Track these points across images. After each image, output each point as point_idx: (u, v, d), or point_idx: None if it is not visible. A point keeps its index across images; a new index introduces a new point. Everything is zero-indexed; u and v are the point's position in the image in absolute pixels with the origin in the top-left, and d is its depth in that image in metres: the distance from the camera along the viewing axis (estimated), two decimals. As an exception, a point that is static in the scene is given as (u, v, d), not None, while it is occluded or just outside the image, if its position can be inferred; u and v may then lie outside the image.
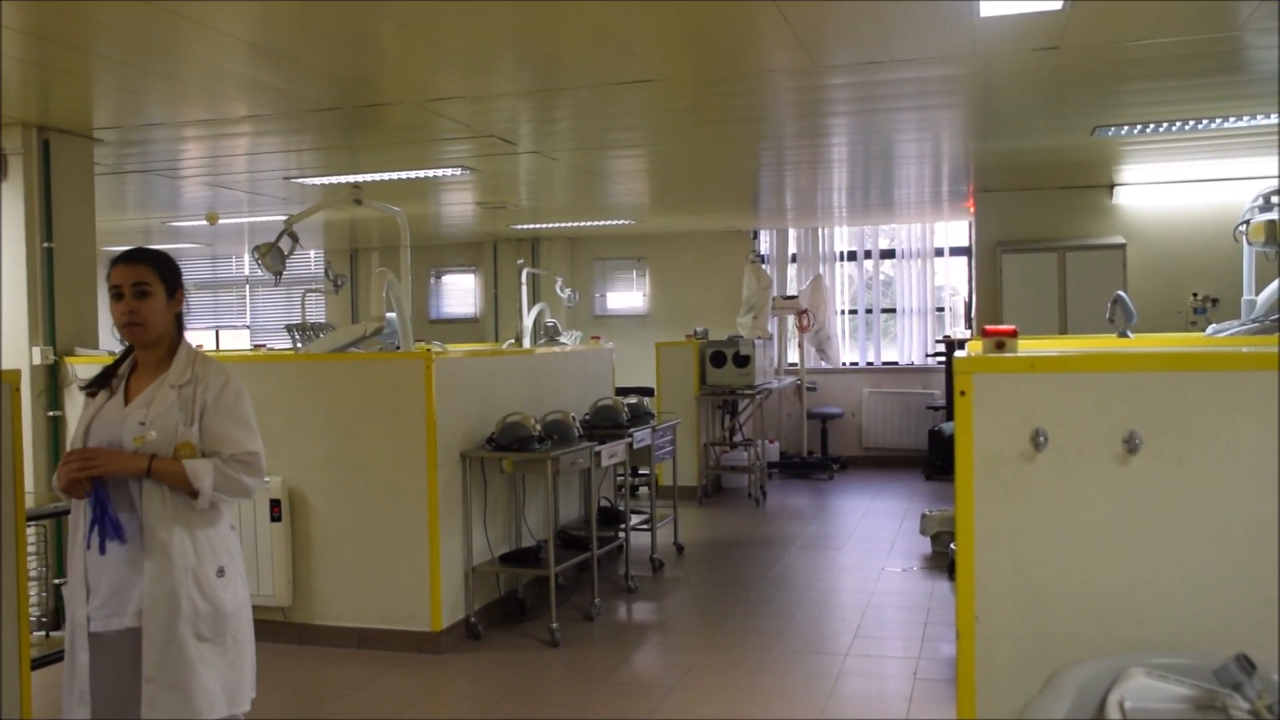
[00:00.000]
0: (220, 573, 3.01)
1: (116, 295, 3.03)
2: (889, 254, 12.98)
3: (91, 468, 2.85)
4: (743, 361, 10.30)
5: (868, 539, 8.51)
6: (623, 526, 7.13)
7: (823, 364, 12.44)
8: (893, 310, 12.84)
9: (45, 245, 6.04)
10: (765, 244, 13.22)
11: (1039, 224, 9.76)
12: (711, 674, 5.34)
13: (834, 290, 12.66)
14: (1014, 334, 2.82)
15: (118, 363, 3.16)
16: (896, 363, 12.71)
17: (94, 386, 3.12)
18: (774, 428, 12.22)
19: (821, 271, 12.64)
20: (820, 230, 12.90)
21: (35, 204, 6.01)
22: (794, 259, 13.16)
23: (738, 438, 10.94)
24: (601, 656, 5.71)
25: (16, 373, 3.51)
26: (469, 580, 5.94)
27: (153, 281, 3.03)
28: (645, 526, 7.61)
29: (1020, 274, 9.54)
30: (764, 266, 12.18)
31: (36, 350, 5.99)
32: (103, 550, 2.90)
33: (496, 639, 5.92)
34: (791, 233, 13.12)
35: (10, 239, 5.99)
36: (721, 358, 10.36)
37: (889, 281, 13.04)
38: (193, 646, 2.90)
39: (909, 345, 12.62)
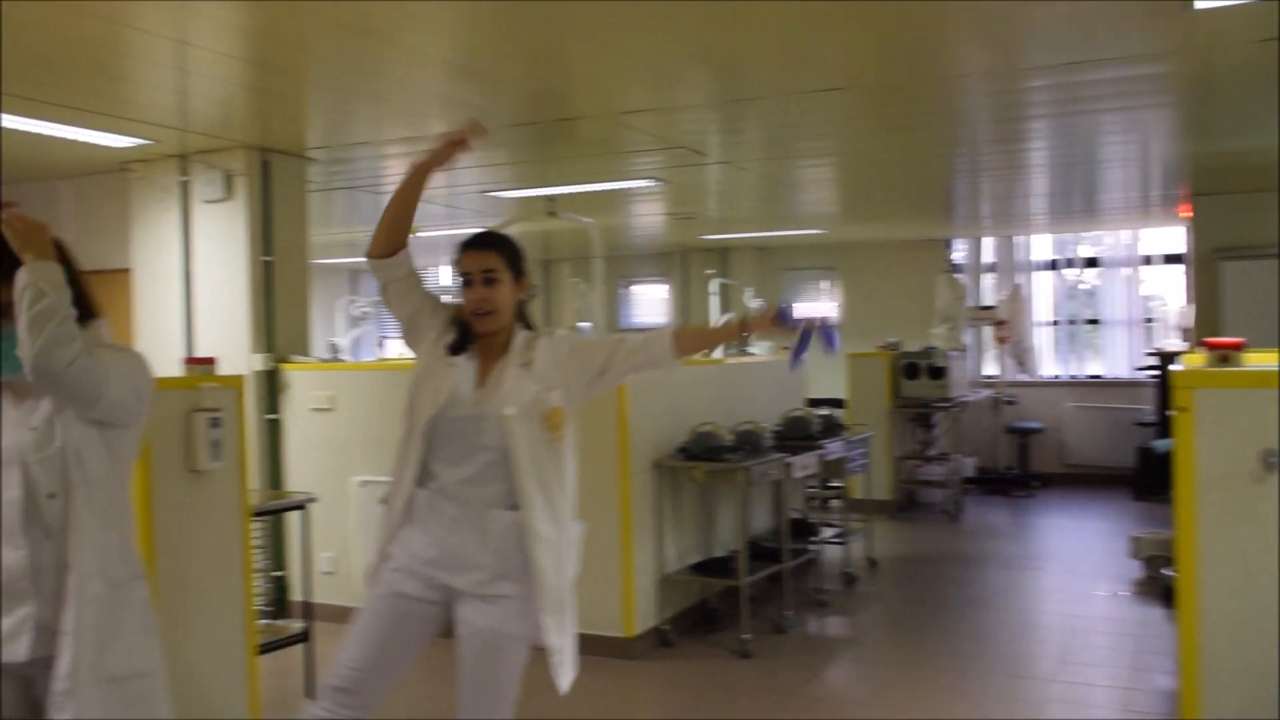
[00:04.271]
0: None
1: (466, 282, 2.90)
2: (1093, 262, 12.41)
3: None
4: (937, 373, 10.03)
5: (1071, 560, 8.14)
6: (814, 539, 7.04)
7: (1021, 377, 11.98)
8: (1097, 321, 12.26)
9: (265, 259, 6.42)
10: (960, 253, 12.85)
11: (1265, 229, 9.11)
12: (906, 692, 5.21)
13: (1033, 300, 12.19)
14: (1239, 347, 2.65)
15: (464, 335, 2.98)
16: (1101, 376, 12.12)
17: (457, 345, 2.94)
18: (970, 442, 11.84)
19: (1020, 281, 12.18)
20: (1018, 238, 12.45)
21: (256, 220, 6.40)
22: (991, 268, 12.74)
23: (932, 451, 10.65)
24: (793, 669, 5.64)
25: (241, 378, 3.75)
26: (661, 588, 5.97)
27: (500, 268, 2.90)
28: (838, 540, 7.50)
29: (1242, 283, 8.95)
30: (958, 276, 11.84)
31: (257, 358, 6.37)
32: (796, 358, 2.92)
33: (688, 647, 5.93)
34: (988, 241, 12.71)
35: (235, 253, 6.40)
36: (915, 369, 10.12)
37: (1093, 291, 12.46)
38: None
39: (1115, 358, 12.02)
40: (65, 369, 2.24)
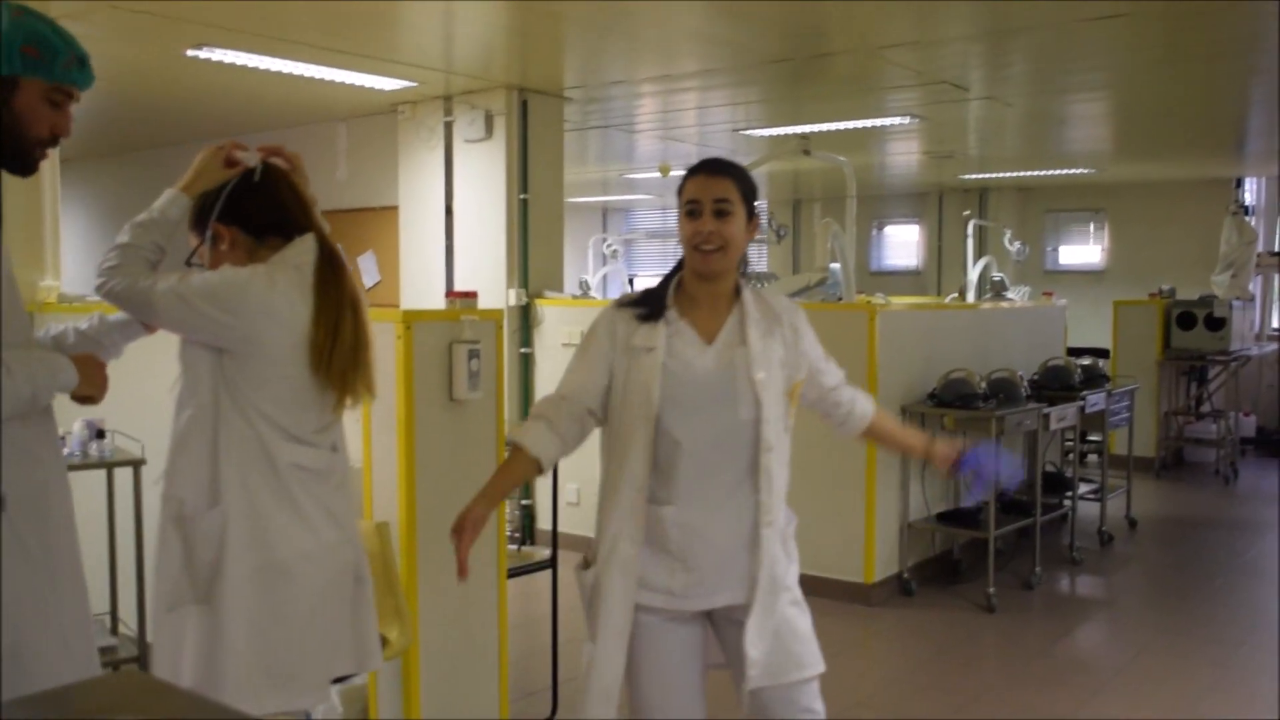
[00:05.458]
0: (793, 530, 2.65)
1: (692, 212, 2.45)
2: None
3: None
4: (1216, 324, 9.31)
5: (1364, 532, 7.43)
6: (1069, 494, 6.72)
7: (1315, 330, 10.96)
8: None
9: (521, 197, 6.62)
10: (1250, 193, 11.80)
11: None
12: (1164, 661, 4.91)
13: (1334, 246, 11.07)
14: None
15: (661, 291, 2.54)
16: None
17: (647, 309, 2.50)
18: (1250, 399, 10.94)
19: (1319, 224, 11.09)
20: (1321, 176, 11.32)
21: (514, 159, 6.60)
22: (1285, 210, 11.65)
23: (1205, 408, 9.92)
24: (1040, 627, 5.43)
25: (499, 313, 3.89)
26: (904, 536, 5.86)
27: (735, 199, 2.43)
28: (1094, 496, 7.12)
29: None
30: (1248, 218, 10.88)
31: (512, 292, 6.60)
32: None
33: (929, 597, 5.80)
34: (1284, 180, 11.62)
35: (493, 191, 6.63)
36: (1191, 319, 9.43)
37: (1407, 236, 11.21)
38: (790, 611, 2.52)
39: None
40: (109, 289, 2.36)
